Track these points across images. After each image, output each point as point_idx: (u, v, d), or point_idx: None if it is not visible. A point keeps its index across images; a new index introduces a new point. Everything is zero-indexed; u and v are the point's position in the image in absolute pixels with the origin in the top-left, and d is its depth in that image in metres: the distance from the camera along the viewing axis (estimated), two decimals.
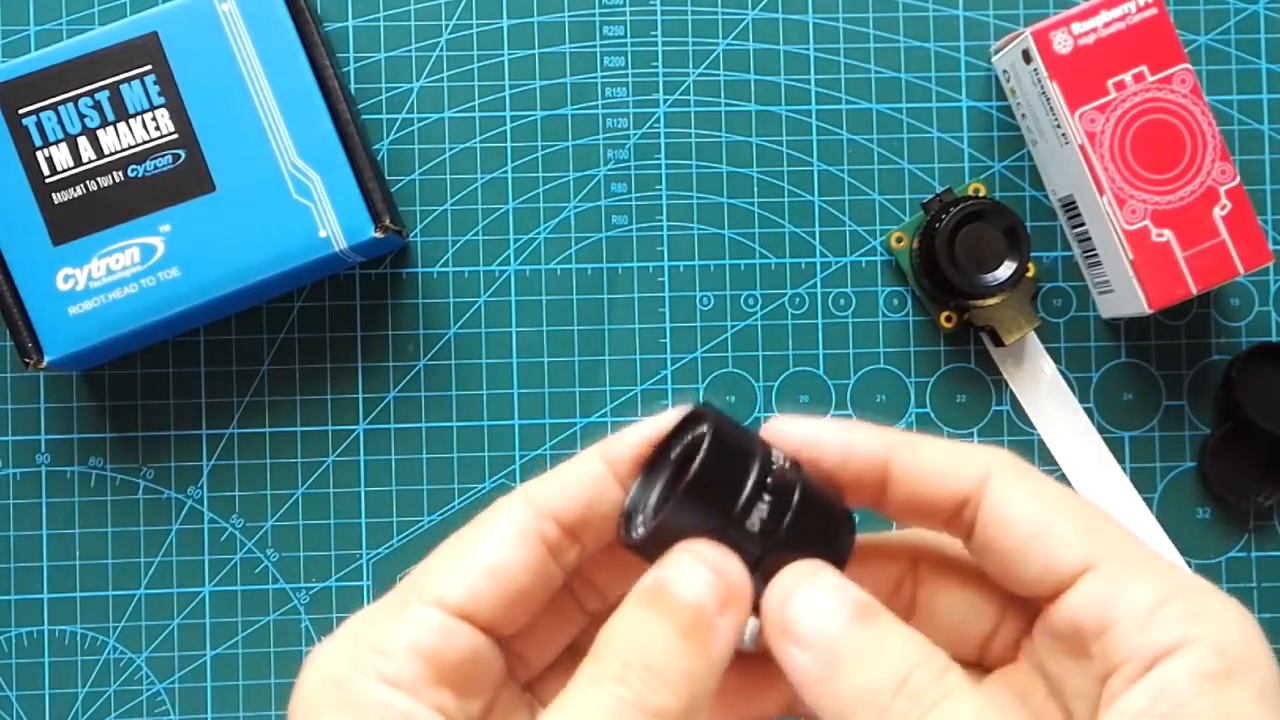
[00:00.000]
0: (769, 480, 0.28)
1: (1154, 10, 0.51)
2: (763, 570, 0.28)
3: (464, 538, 0.29)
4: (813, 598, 0.27)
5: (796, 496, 0.28)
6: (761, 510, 0.27)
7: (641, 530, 0.28)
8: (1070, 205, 0.54)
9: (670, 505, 0.27)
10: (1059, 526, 0.28)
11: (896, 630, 0.27)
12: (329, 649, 0.28)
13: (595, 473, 0.30)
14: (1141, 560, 0.27)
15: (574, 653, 0.32)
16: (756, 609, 0.28)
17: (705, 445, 0.27)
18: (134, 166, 0.50)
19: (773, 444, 0.29)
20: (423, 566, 0.29)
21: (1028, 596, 0.29)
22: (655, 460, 0.29)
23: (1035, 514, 0.28)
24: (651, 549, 0.28)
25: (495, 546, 0.29)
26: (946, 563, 0.32)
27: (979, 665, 0.31)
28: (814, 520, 0.28)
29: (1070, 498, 0.29)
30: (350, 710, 0.27)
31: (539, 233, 0.55)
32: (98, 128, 0.50)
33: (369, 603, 0.31)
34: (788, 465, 0.28)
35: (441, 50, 0.55)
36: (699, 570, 0.27)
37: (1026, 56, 0.52)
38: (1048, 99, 0.52)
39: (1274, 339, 0.56)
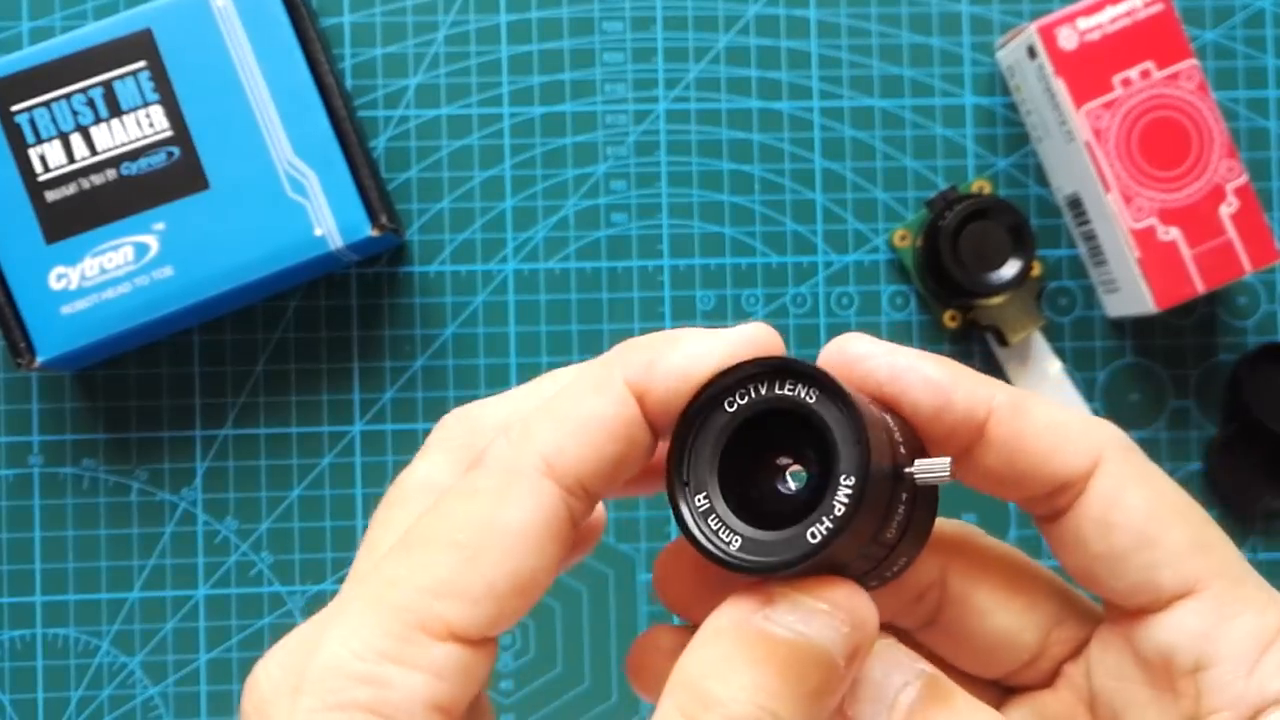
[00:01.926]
0: (902, 475, 0.23)
1: (1160, 6, 0.50)
2: (882, 564, 0.23)
3: (473, 528, 0.22)
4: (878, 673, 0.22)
5: (917, 501, 0.23)
6: (899, 515, 0.23)
7: (748, 557, 0.22)
8: (1076, 203, 0.53)
9: (825, 543, 0.21)
10: (1170, 539, 0.24)
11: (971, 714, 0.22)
12: (309, 706, 0.21)
13: (626, 416, 0.23)
14: (1250, 587, 0.24)
15: None
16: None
17: (866, 458, 0.21)
18: (127, 164, 0.49)
19: (850, 381, 0.23)
20: (416, 572, 0.22)
21: (1110, 605, 0.25)
22: (705, 401, 0.23)
23: (1145, 518, 0.24)
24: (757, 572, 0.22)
25: (523, 551, 0.22)
26: (988, 563, 0.27)
27: (997, 684, 0.27)
28: (929, 522, 0.24)
29: (1183, 501, 0.25)
30: None
31: (537, 231, 0.54)
32: (91, 125, 0.49)
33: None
34: (901, 442, 0.23)
35: (438, 46, 0.54)
36: (833, 622, 0.22)
37: (1031, 52, 0.51)
38: (1053, 95, 0.51)
39: None
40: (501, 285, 0.54)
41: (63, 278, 0.49)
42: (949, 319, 0.54)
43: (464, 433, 0.25)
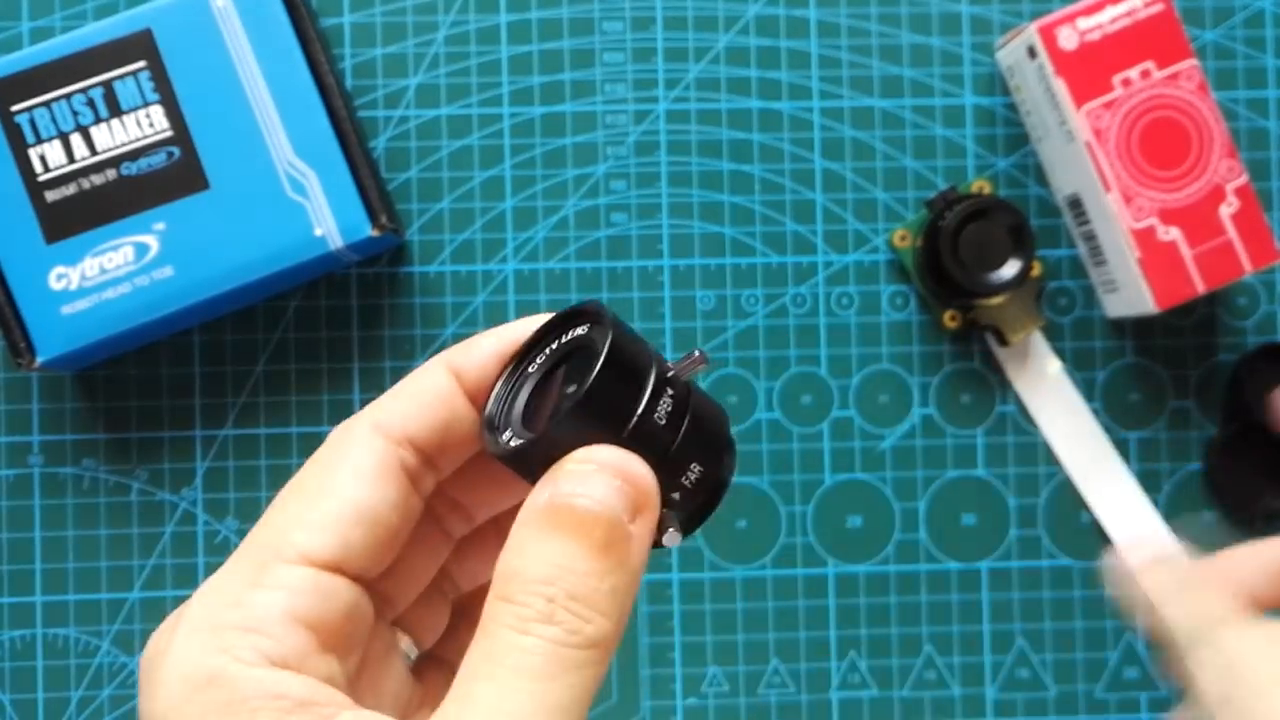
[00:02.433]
0: (668, 377, 0.26)
1: (1160, 6, 0.50)
2: (670, 469, 0.26)
3: (315, 479, 0.26)
4: None
5: (692, 402, 0.26)
6: (666, 405, 0.26)
7: (517, 440, 0.26)
8: (1076, 203, 0.53)
9: (570, 409, 0.25)
10: None
11: None
12: (185, 639, 0.24)
13: (445, 388, 0.27)
14: None
15: (436, 580, 0.30)
16: (665, 502, 0.26)
17: (609, 339, 0.25)
18: (127, 164, 0.49)
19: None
20: (272, 519, 0.26)
21: None
22: (515, 366, 0.27)
23: None
24: (533, 461, 0.25)
25: (357, 485, 0.26)
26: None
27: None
28: (711, 430, 0.27)
29: None
30: (236, 712, 0.23)
31: (537, 231, 0.54)
32: (91, 125, 0.49)
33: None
34: (679, 375, 0.27)
35: (438, 46, 0.54)
36: (602, 479, 0.24)
37: (1031, 52, 0.51)
38: (1053, 95, 0.51)
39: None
40: (501, 285, 0.54)
41: (63, 278, 0.49)
42: (949, 319, 0.54)
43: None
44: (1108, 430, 0.55)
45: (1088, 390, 0.55)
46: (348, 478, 0.26)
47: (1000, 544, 0.55)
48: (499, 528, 0.31)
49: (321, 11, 0.54)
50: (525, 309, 0.54)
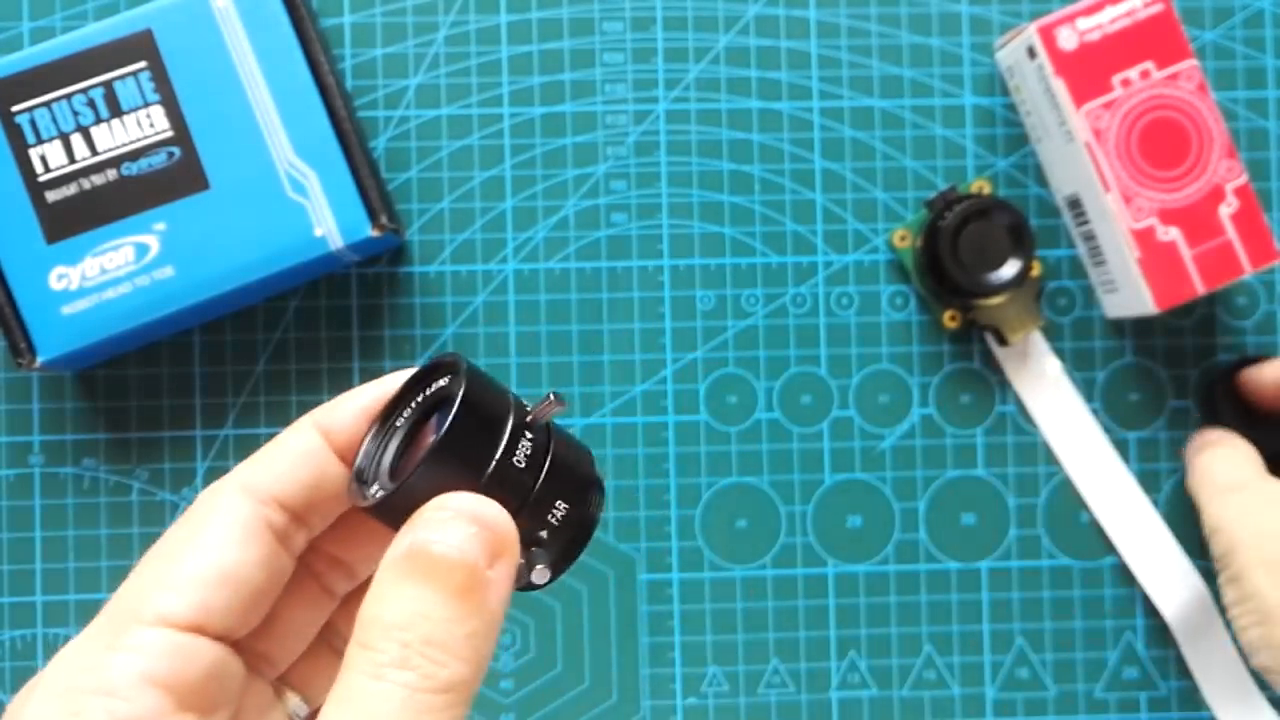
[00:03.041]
0: (527, 421, 0.27)
1: (1160, 6, 0.50)
2: (535, 511, 0.26)
3: (178, 542, 0.26)
4: None
5: (553, 443, 0.27)
6: (525, 448, 0.26)
7: (381, 492, 0.26)
8: (1075, 203, 0.53)
9: (426, 458, 0.25)
10: None
11: None
12: (39, 704, 0.24)
13: (313, 447, 0.28)
14: None
15: (325, 636, 0.30)
16: (528, 545, 0.26)
17: (464, 387, 0.26)
18: (128, 164, 0.49)
19: None
20: (133, 583, 0.26)
21: None
22: (383, 421, 0.28)
23: None
24: (397, 511, 0.26)
25: (219, 547, 0.26)
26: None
27: None
28: (573, 470, 0.27)
29: None
30: None
31: (537, 231, 0.54)
32: (91, 125, 0.49)
33: None
34: (538, 419, 0.27)
35: (439, 47, 0.55)
36: (459, 525, 0.25)
37: (1031, 52, 0.51)
38: (1053, 95, 0.51)
39: (1247, 352, 0.55)
40: (501, 285, 0.54)
41: (63, 278, 0.49)
42: (949, 319, 0.54)
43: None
44: (1107, 430, 0.55)
45: (1087, 390, 0.55)
46: (211, 538, 0.26)
47: (1000, 544, 0.55)
48: None
49: (322, 12, 0.54)
50: (525, 309, 0.54)
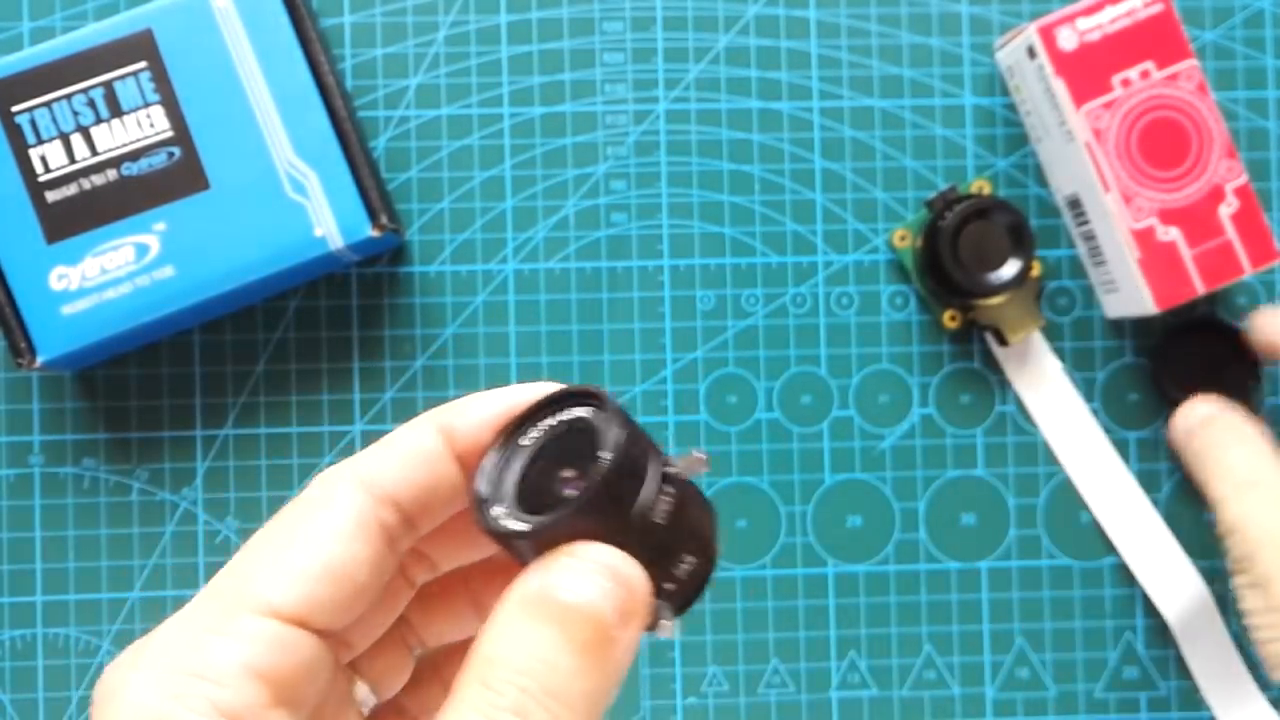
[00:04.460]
0: (670, 474, 0.26)
1: (1160, 6, 0.50)
2: (664, 563, 0.26)
3: (290, 528, 0.26)
4: None
5: (688, 497, 0.27)
6: (666, 502, 0.26)
7: (517, 523, 0.25)
8: (1075, 203, 0.53)
9: (580, 507, 0.25)
10: None
11: None
12: (140, 678, 0.24)
13: (434, 450, 0.27)
14: None
15: (400, 628, 0.30)
16: (659, 593, 0.26)
17: (622, 438, 0.25)
18: (128, 164, 0.49)
19: None
20: (243, 564, 0.25)
21: None
22: (508, 436, 0.27)
23: None
24: (528, 544, 0.25)
25: (332, 541, 0.25)
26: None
27: None
28: (704, 524, 0.27)
29: None
30: None
31: (537, 231, 0.54)
32: (92, 125, 0.49)
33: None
34: (681, 474, 0.27)
35: (439, 46, 0.55)
36: (597, 578, 0.24)
37: (1031, 52, 0.51)
38: (1053, 95, 0.51)
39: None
40: (501, 285, 0.54)
41: (63, 278, 0.49)
42: (949, 319, 0.54)
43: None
44: (1107, 430, 0.55)
45: (1087, 390, 0.55)
46: (325, 531, 0.25)
47: (1000, 544, 0.55)
48: (464, 579, 0.31)
49: (322, 12, 0.54)
50: (525, 309, 0.54)
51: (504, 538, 0.25)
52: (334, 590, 0.25)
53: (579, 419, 0.27)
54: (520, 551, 0.25)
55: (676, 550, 0.26)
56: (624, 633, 0.24)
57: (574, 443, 0.26)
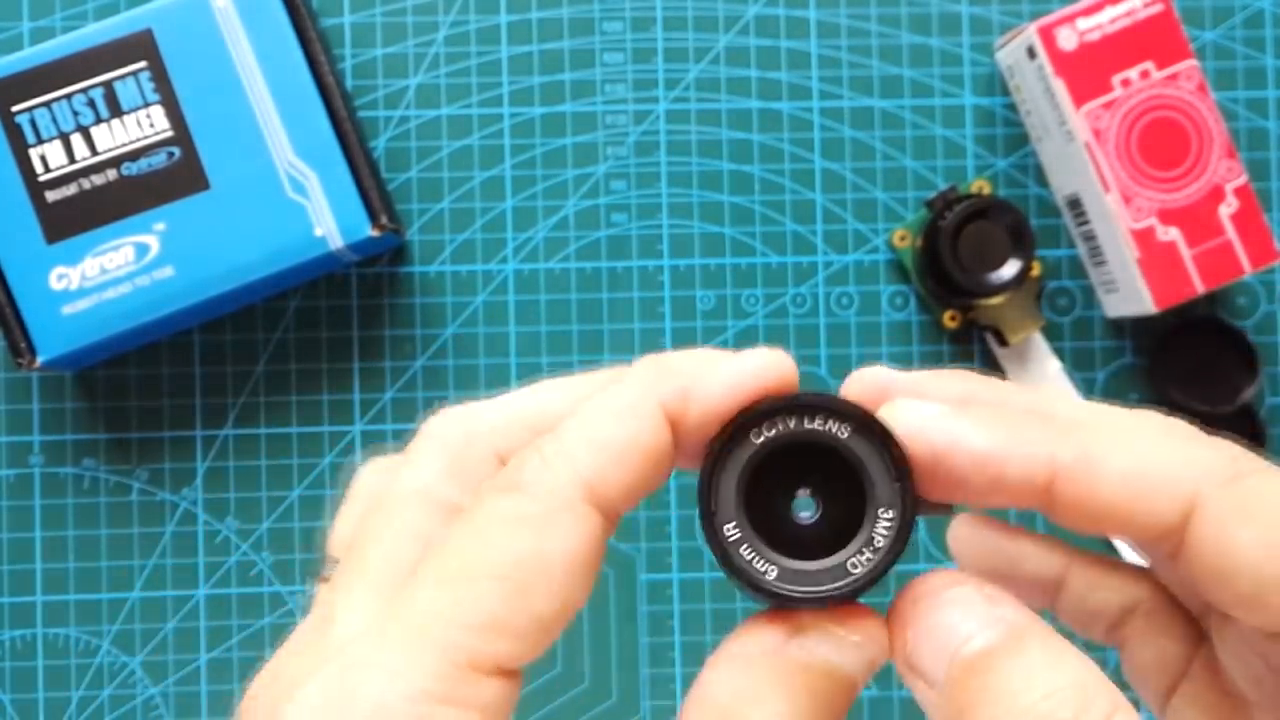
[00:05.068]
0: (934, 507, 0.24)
1: (1160, 6, 0.50)
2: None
3: (520, 558, 0.21)
4: (945, 620, 0.23)
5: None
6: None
7: (795, 591, 0.22)
8: (1075, 203, 0.53)
9: (870, 576, 0.23)
10: None
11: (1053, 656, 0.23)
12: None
13: (665, 451, 0.22)
14: None
15: None
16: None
17: (905, 517, 0.23)
18: (128, 164, 0.49)
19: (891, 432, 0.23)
20: (461, 602, 0.21)
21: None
22: (726, 438, 0.22)
23: (1262, 560, 0.21)
24: (776, 599, 0.23)
25: (567, 585, 0.21)
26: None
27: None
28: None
29: None
30: None
31: (537, 231, 0.54)
32: (92, 125, 0.49)
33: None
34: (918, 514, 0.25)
35: (439, 46, 0.55)
36: (857, 650, 0.23)
37: (1031, 53, 0.51)
38: (1053, 95, 0.51)
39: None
40: (501, 285, 0.54)
41: (63, 278, 0.49)
42: (949, 319, 0.54)
43: (457, 437, 0.24)
44: None
45: (1088, 390, 0.55)
46: (561, 571, 0.21)
47: None
48: None
49: (322, 11, 0.54)
50: (525, 309, 0.54)
51: (752, 590, 0.22)
52: (559, 633, 0.22)
53: (825, 434, 0.23)
54: (756, 594, 0.22)
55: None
56: (861, 683, 0.23)
57: (801, 450, 0.23)
